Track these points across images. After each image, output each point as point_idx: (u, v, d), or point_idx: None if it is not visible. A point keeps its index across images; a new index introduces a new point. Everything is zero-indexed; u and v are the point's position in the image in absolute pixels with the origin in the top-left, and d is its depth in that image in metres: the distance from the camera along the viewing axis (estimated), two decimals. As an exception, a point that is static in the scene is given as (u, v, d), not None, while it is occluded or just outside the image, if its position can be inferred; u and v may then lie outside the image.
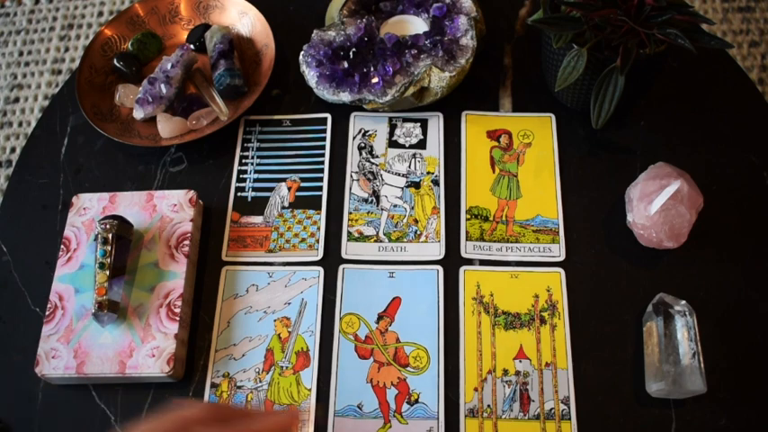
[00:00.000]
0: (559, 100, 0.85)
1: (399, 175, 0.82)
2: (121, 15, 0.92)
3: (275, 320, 0.74)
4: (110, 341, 0.70)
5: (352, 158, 0.83)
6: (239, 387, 0.71)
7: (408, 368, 0.71)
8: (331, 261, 0.77)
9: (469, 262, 0.76)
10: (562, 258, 0.76)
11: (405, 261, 0.76)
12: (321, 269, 0.76)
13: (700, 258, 0.75)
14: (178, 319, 0.71)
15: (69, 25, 1.62)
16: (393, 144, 0.84)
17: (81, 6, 1.65)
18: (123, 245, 0.74)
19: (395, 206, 0.80)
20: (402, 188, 0.81)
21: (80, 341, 0.71)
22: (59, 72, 1.56)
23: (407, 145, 0.84)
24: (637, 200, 0.73)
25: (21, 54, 1.59)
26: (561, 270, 0.75)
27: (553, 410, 0.68)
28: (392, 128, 0.85)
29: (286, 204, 0.81)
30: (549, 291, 0.74)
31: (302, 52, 0.85)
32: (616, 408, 0.68)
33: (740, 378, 0.69)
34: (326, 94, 0.84)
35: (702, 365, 0.66)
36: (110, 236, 0.73)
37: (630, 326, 0.72)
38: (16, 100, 1.53)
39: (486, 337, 0.72)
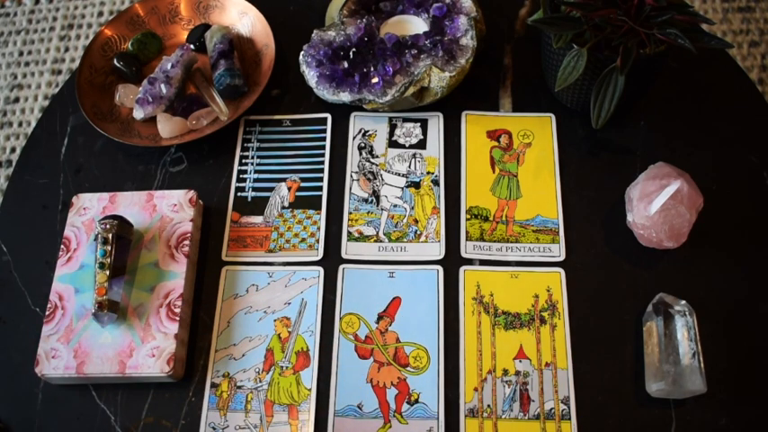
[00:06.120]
0: (559, 100, 0.85)
1: (399, 175, 0.82)
2: (121, 15, 0.92)
3: (275, 320, 0.74)
4: (110, 341, 0.70)
5: (352, 158, 0.83)
6: (239, 387, 0.71)
7: (408, 368, 0.71)
8: (331, 261, 0.77)
9: (469, 262, 0.76)
10: (562, 258, 0.75)
11: (405, 261, 0.76)
12: (321, 269, 0.76)
13: (700, 258, 0.75)
14: (178, 319, 0.71)
15: (69, 25, 1.62)
16: (393, 144, 0.84)
17: (81, 6, 1.65)
18: (123, 245, 0.74)
19: (395, 206, 0.80)
20: (402, 188, 0.81)
21: (80, 341, 0.71)
22: (59, 72, 1.56)
23: (407, 145, 0.84)
24: (637, 200, 0.73)
25: (21, 54, 1.59)
26: (561, 270, 0.75)
27: (553, 410, 0.68)
28: (392, 128, 0.85)
29: (286, 204, 0.81)
30: (549, 291, 0.74)
31: (302, 52, 0.85)
32: (616, 408, 0.68)
33: (740, 378, 0.69)
34: (326, 94, 0.84)
35: (702, 365, 0.66)
36: (110, 236, 0.73)
37: (630, 326, 0.72)
38: (16, 100, 1.53)
39: (486, 337, 0.72)
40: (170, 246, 0.75)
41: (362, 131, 0.85)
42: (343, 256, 0.77)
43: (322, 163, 0.83)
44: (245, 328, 0.74)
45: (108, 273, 0.71)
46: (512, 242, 0.77)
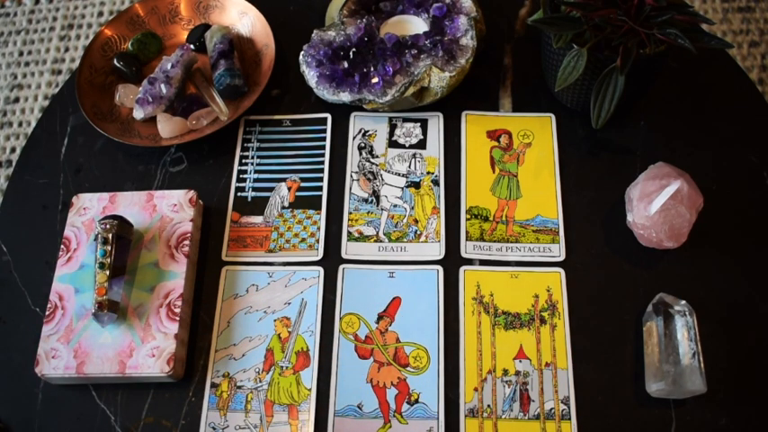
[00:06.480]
0: (559, 100, 0.85)
1: (399, 175, 0.82)
2: (121, 15, 0.92)
3: (275, 320, 0.74)
4: (110, 341, 0.70)
5: (352, 158, 0.83)
6: (239, 387, 0.71)
7: (408, 368, 0.71)
8: (331, 261, 0.77)
9: (469, 262, 0.76)
10: (562, 258, 0.75)
11: (405, 261, 0.76)
12: (321, 269, 0.76)
13: (700, 258, 0.75)
14: (178, 319, 0.71)
15: (69, 25, 1.62)
16: (393, 144, 0.84)
17: (81, 6, 1.65)
18: (123, 245, 0.74)
19: (395, 206, 0.80)
20: (402, 188, 0.81)
21: (80, 341, 0.71)
22: (59, 72, 1.56)
23: (407, 145, 0.84)
24: (637, 200, 0.73)
25: (21, 54, 1.59)
26: (561, 270, 0.75)
27: (553, 410, 0.68)
28: (392, 128, 0.85)
29: (286, 204, 0.81)
30: (549, 291, 0.74)
31: (302, 52, 0.85)
32: (616, 408, 0.68)
33: (740, 378, 0.69)
34: (326, 94, 0.84)
35: (702, 365, 0.66)
36: (110, 236, 0.73)
37: (630, 326, 0.72)
38: (16, 100, 1.53)
39: (486, 337, 0.72)
40: (170, 246, 0.75)
41: (362, 131, 0.85)
42: (343, 256, 0.77)
43: (322, 163, 0.83)
44: (245, 328, 0.74)
45: (108, 273, 0.71)
46: (512, 242, 0.77)
